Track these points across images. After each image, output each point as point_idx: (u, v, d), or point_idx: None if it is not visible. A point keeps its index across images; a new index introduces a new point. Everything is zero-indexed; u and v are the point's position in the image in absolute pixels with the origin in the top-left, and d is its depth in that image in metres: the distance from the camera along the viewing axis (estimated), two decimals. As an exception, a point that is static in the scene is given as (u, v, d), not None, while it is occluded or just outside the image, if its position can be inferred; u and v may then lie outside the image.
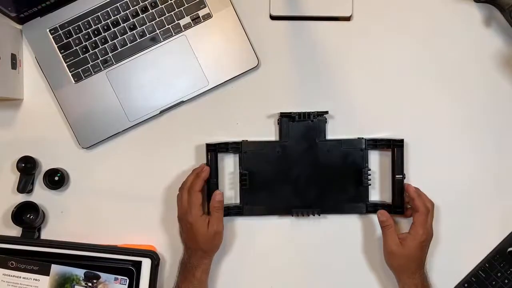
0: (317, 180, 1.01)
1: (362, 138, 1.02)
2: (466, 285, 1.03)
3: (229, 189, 1.04)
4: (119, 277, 0.98)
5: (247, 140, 1.02)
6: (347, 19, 1.04)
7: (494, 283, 1.02)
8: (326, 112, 1.01)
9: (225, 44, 1.02)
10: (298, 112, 1.01)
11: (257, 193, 1.02)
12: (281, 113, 1.01)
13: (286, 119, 1.01)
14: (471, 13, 1.03)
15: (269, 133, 1.03)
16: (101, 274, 0.98)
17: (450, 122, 1.04)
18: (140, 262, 0.99)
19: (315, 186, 1.01)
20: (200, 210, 0.97)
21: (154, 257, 0.99)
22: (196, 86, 1.02)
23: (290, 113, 1.01)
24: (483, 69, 1.03)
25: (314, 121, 1.01)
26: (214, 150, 1.00)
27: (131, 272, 0.98)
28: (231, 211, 1.02)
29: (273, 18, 1.03)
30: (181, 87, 1.02)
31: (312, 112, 1.01)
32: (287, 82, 1.04)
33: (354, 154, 1.01)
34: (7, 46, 0.98)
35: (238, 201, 1.03)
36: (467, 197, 1.04)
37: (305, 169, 1.01)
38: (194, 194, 0.97)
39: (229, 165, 1.04)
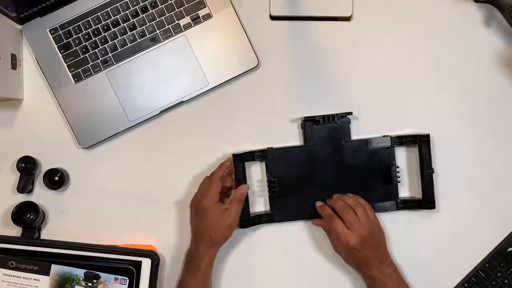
0: (345, 181, 1.01)
1: (388, 135, 1.01)
2: (466, 285, 1.03)
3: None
4: (119, 277, 0.98)
5: (272, 147, 1.01)
6: (347, 19, 1.04)
7: (494, 283, 1.02)
8: (350, 113, 1.01)
9: (225, 44, 1.02)
10: (322, 115, 1.00)
11: (286, 199, 1.01)
12: (304, 117, 1.01)
13: (309, 123, 1.01)
14: (471, 13, 1.03)
15: (265, 134, 1.03)
16: (101, 274, 0.98)
17: (449, 121, 1.04)
18: (140, 262, 0.98)
19: (343, 188, 1.01)
20: (217, 197, 0.97)
21: (154, 257, 0.99)
22: (196, 86, 1.02)
23: (314, 116, 1.00)
24: (482, 69, 1.03)
25: (338, 123, 1.01)
26: (241, 160, 1.00)
27: (131, 272, 0.98)
28: (263, 218, 1.01)
29: (273, 18, 1.03)
30: (181, 87, 1.02)
31: (336, 114, 1.00)
32: (287, 82, 1.04)
33: (380, 152, 1.01)
34: (7, 46, 0.98)
35: (268, 208, 1.02)
36: (467, 196, 1.04)
37: (332, 172, 1.01)
38: (214, 180, 0.97)
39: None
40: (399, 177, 1.02)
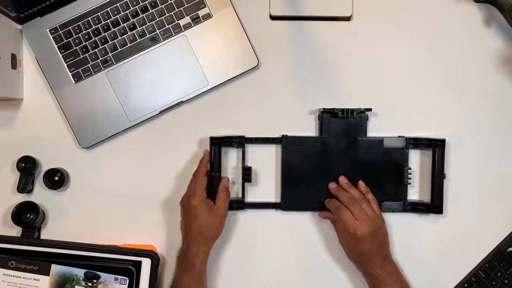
0: (356, 177, 1.01)
1: (403, 136, 1.01)
2: (466, 285, 1.03)
3: (231, 183, 1.03)
4: (119, 277, 0.98)
5: (287, 135, 1.01)
6: (347, 19, 1.04)
7: (494, 283, 1.02)
8: (370, 109, 1.01)
9: (225, 44, 1.02)
10: (341, 108, 1.00)
11: (295, 189, 1.02)
12: (323, 109, 1.01)
13: (327, 115, 1.01)
14: (471, 13, 1.03)
15: (270, 131, 1.03)
16: (101, 274, 0.98)
17: (452, 123, 1.04)
18: (140, 262, 0.98)
19: (353, 184, 1.01)
20: (204, 194, 0.98)
21: (154, 257, 0.99)
22: (196, 86, 1.02)
23: (333, 109, 1.01)
24: (483, 69, 1.03)
25: (356, 118, 1.01)
26: (217, 143, 1.01)
27: (131, 272, 0.98)
28: (233, 205, 1.02)
29: (273, 18, 1.03)
30: (181, 87, 1.02)
31: (355, 109, 1.00)
32: (287, 82, 1.04)
33: (394, 152, 1.01)
34: (7, 46, 0.98)
35: (240, 195, 1.03)
36: (470, 199, 1.04)
37: (345, 166, 1.01)
38: (198, 178, 0.98)
39: (232, 159, 1.04)
40: (410, 178, 1.02)
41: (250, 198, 1.03)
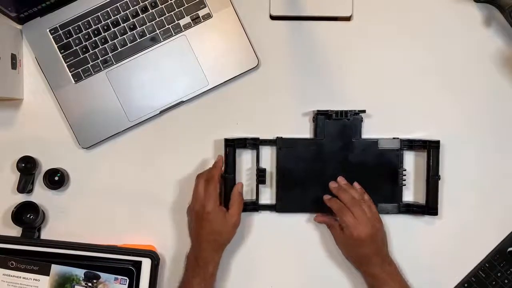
0: (351, 178, 1.01)
1: (398, 138, 1.01)
2: (466, 285, 1.03)
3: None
4: (119, 277, 0.98)
5: (281, 137, 1.01)
6: (347, 19, 1.04)
7: (494, 283, 1.02)
8: (364, 111, 1.01)
9: (225, 44, 1.02)
10: (336, 110, 1.00)
11: (291, 191, 1.01)
12: (317, 110, 1.01)
13: (322, 117, 1.01)
14: (471, 13, 1.03)
15: (267, 131, 1.03)
16: (101, 274, 0.98)
17: (451, 123, 1.04)
18: (140, 262, 0.99)
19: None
20: (218, 200, 0.97)
21: (154, 257, 0.99)
22: (196, 86, 1.02)
23: (327, 111, 1.00)
24: (482, 69, 1.03)
25: (350, 119, 1.01)
26: (232, 145, 1.00)
27: (131, 272, 0.98)
28: (248, 207, 1.01)
29: (273, 18, 1.03)
30: (181, 87, 1.02)
31: (350, 111, 1.00)
32: (287, 83, 1.04)
33: (389, 154, 1.01)
34: (7, 46, 0.98)
35: (254, 197, 1.03)
36: (468, 199, 1.04)
37: (340, 167, 1.01)
38: (212, 184, 0.97)
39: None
40: (405, 180, 1.02)
41: (245, 199, 1.03)
